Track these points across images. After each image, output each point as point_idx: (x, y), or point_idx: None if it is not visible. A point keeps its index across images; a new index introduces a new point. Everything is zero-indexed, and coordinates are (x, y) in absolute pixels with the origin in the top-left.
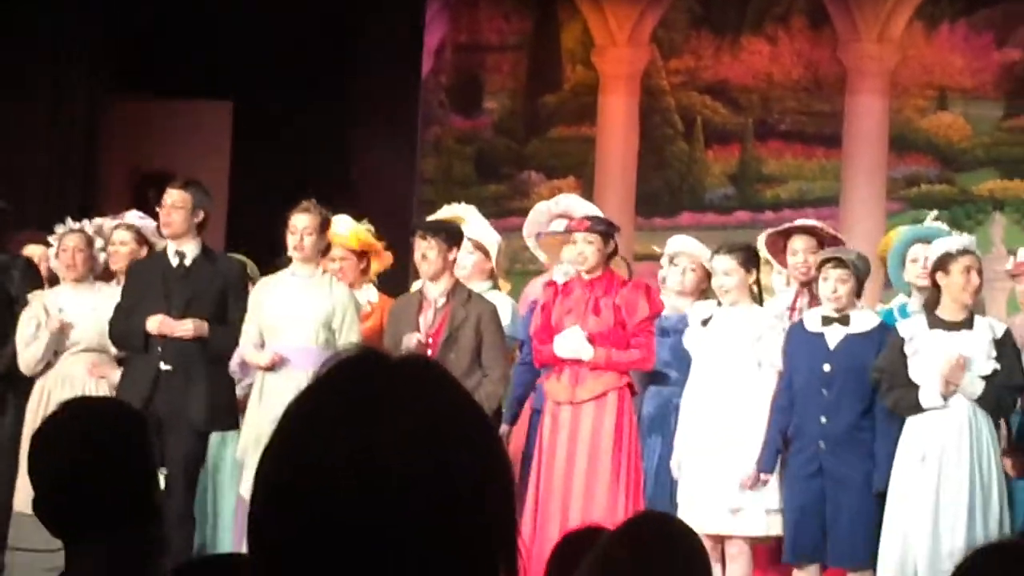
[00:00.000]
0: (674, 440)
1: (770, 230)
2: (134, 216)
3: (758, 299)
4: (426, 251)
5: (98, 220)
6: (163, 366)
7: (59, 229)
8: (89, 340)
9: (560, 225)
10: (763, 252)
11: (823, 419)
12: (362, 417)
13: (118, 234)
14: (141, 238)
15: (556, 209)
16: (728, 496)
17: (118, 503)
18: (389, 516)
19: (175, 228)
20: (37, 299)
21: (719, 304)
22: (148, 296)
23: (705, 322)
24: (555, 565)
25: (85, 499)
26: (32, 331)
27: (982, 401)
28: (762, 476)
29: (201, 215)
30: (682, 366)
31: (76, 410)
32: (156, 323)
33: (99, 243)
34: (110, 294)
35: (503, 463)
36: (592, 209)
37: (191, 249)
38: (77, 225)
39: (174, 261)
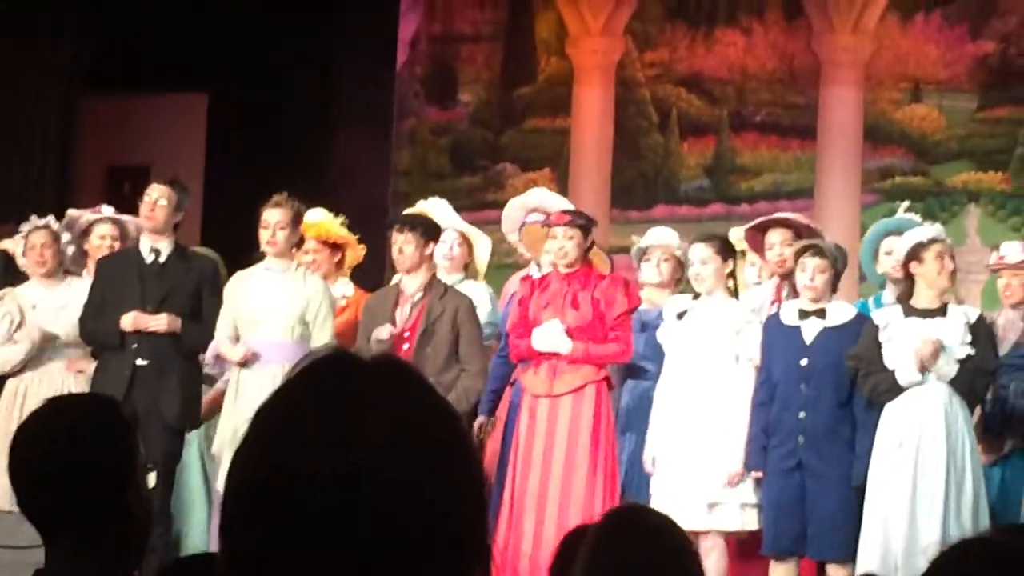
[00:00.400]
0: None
1: (747, 225)
2: (109, 211)
3: (734, 292)
4: (403, 245)
5: (73, 212)
6: (139, 362)
7: (24, 227)
8: (64, 335)
9: (535, 219)
10: (740, 247)
11: (802, 414)
12: (333, 418)
13: (102, 228)
14: (122, 233)
15: (530, 203)
16: (704, 491)
17: (100, 500)
18: (359, 518)
19: (158, 223)
20: (10, 296)
21: (695, 297)
22: (122, 292)
23: (680, 315)
24: (559, 565)
25: (66, 496)
26: (6, 330)
27: (955, 384)
28: (753, 474)
29: (180, 216)
30: (659, 359)
31: (58, 407)
32: (131, 319)
33: (66, 237)
34: (81, 288)
35: (475, 466)
36: (565, 203)
37: (165, 246)
38: (42, 221)
39: (149, 258)
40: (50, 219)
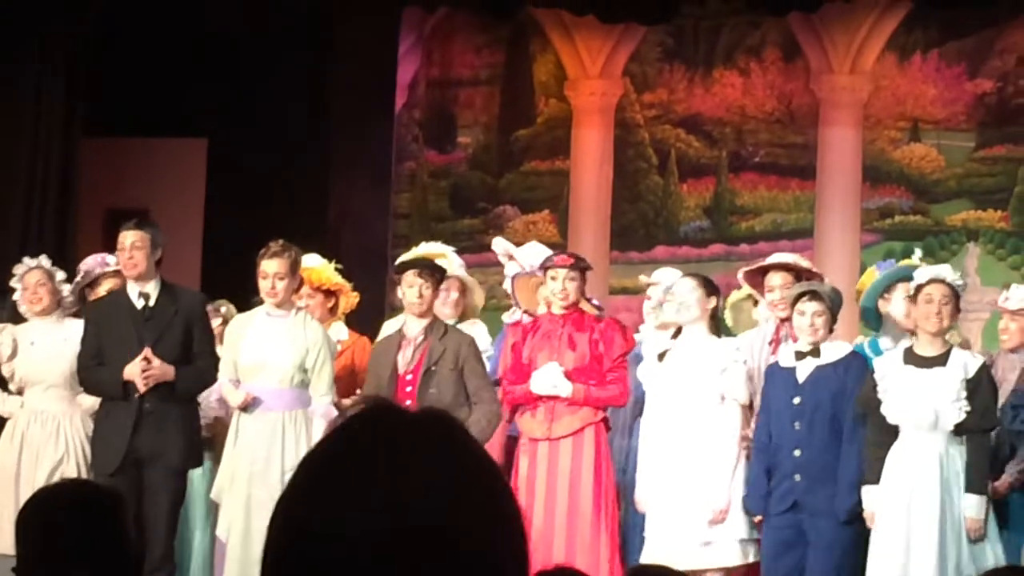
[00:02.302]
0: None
1: (745, 267)
2: (112, 260)
3: (717, 330)
4: (422, 289)
5: (88, 263)
6: (146, 406)
7: (18, 270)
8: (58, 376)
9: (511, 268)
10: (745, 287)
11: (797, 452)
12: (377, 474)
13: (110, 281)
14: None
15: (505, 252)
16: (698, 530)
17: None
18: (401, 572)
19: (139, 268)
20: (8, 331)
21: (675, 335)
22: (117, 340)
23: (661, 356)
24: None
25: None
26: None
27: (958, 439)
28: (756, 519)
29: (159, 253)
30: None
31: (55, 495)
32: (133, 371)
33: (60, 275)
34: (76, 329)
35: (518, 520)
36: (543, 250)
37: (152, 288)
38: (34, 262)
39: (139, 303)
40: (42, 259)
